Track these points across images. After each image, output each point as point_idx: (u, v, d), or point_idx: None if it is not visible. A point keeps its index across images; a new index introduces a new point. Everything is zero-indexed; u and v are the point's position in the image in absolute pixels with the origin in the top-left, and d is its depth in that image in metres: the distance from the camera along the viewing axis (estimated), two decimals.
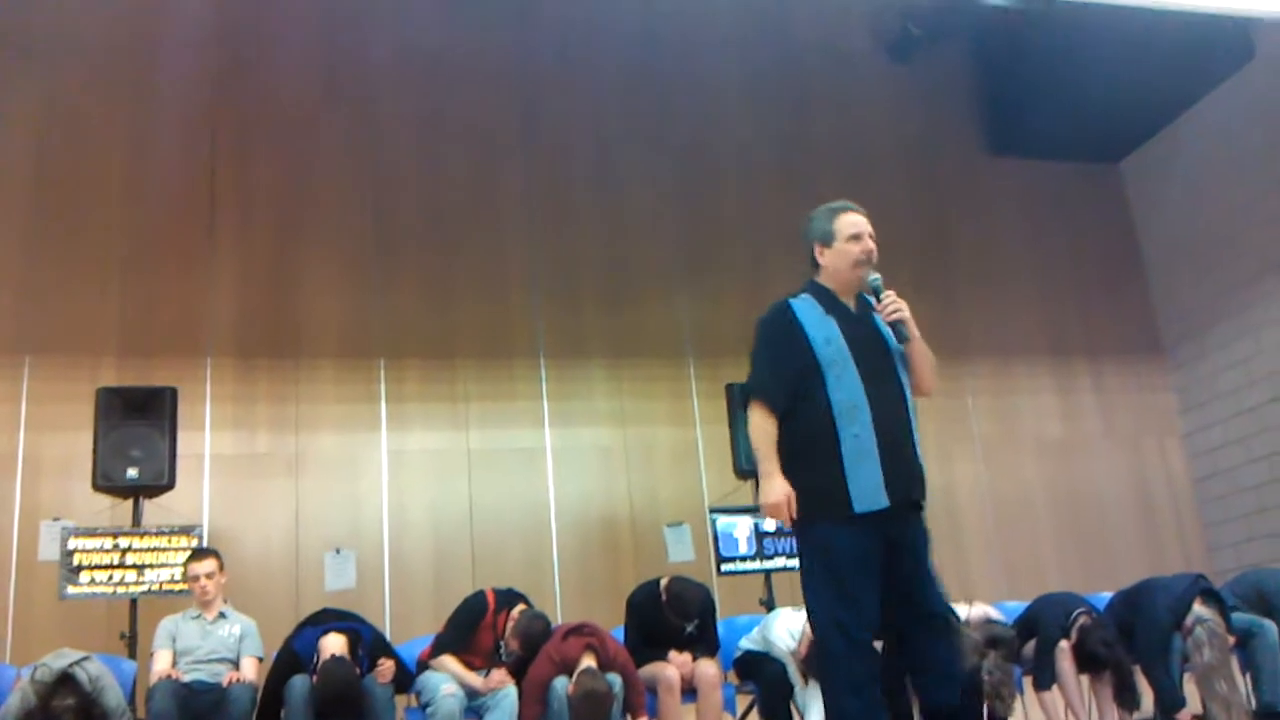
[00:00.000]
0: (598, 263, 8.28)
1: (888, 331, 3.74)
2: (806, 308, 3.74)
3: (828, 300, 3.75)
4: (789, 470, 3.61)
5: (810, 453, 3.59)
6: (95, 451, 6.05)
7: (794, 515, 3.56)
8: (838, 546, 3.52)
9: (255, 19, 8.06)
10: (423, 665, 5.49)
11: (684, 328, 8.32)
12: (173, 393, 6.31)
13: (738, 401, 6.96)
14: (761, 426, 3.65)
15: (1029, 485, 8.64)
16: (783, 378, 3.66)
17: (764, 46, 9.09)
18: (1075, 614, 5.88)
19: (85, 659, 4.79)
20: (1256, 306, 8.60)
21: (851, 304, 3.78)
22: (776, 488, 3.58)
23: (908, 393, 3.68)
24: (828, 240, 3.78)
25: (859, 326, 3.71)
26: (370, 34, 8.27)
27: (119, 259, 7.39)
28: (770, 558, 6.71)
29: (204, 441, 7.16)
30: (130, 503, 6.16)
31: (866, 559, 3.51)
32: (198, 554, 5.65)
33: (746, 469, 6.88)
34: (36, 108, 7.52)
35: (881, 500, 3.50)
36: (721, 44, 8.98)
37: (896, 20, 9.10)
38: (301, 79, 8.07)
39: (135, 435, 6.10)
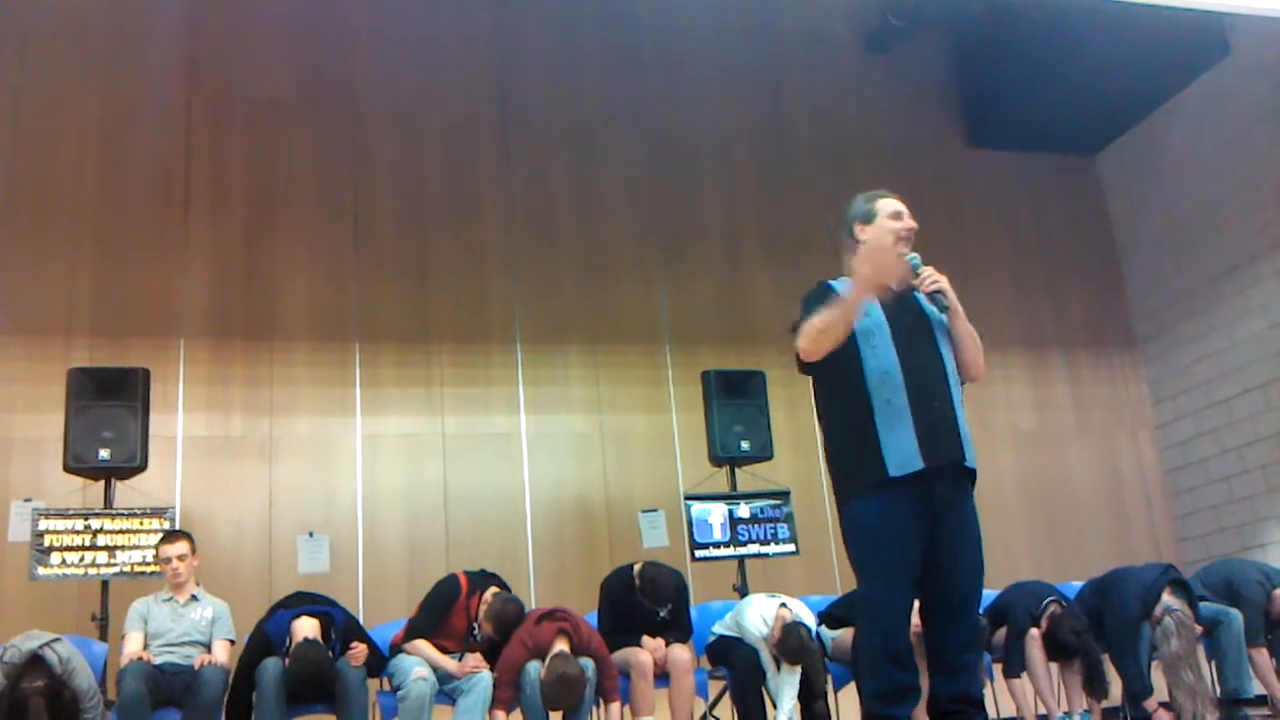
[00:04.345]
0: (575, 249, 8.26)
1: (929, 307, 3.72)
2: (845, 286, 3.65)
3: None
4: (830, 445, 3.64)
5: (847, 425, 3.57)
6: (66, 432, 5.97)
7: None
8: (872, 520, 3.47)
9: (233, 2, 7.99)
10: (395, 649, 5.49)
11: (661, 315, 8.31)
12: (145, 374, 6.23)
13: (713, 388, 6.98)
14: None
15: (1002, 475, 8.67)
16: None
17: (743, 35, 9.07)
18: (1046, 602, 5.94)
19: (55, 641, 4.77)
20: (1230, 300, 8.65)
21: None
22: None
23: (948, 364, 3.62)
24: (869, 218, 3.77)
25: (898, 300, 3.66)
26: (349, 18, 8.20)
27: (92, 238, 7.31)
28: (744, 544, 6.73)
29: (177, 423, 7.11)
30: (102, 484, 6.10)
31: (901, 533, 3.44)
32: (170, 536, 5.61)
33: (721, 456, 6.91)
34: (10, 86, 7.42)
35: (916, 463, 3.42)
36: (700, 32, 8.95)
37: (876, 10, 9.11)
38: (278, 63, 8.00)
39: (107, 416, 6.02)
